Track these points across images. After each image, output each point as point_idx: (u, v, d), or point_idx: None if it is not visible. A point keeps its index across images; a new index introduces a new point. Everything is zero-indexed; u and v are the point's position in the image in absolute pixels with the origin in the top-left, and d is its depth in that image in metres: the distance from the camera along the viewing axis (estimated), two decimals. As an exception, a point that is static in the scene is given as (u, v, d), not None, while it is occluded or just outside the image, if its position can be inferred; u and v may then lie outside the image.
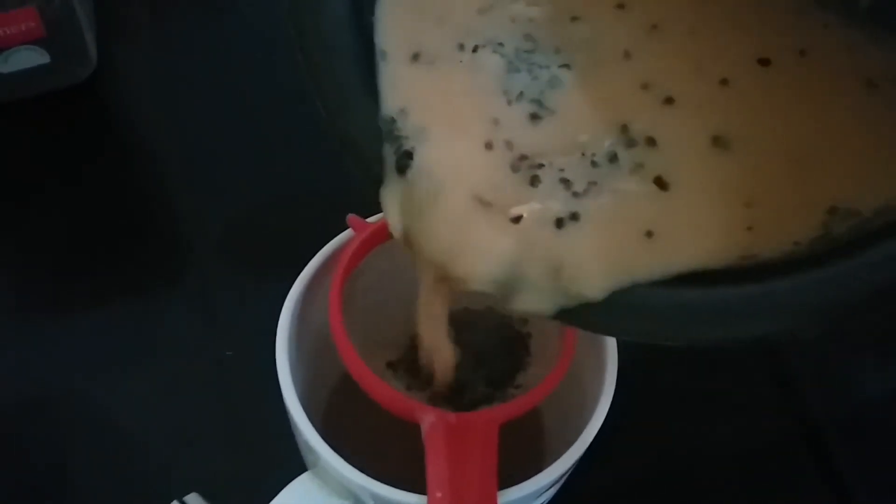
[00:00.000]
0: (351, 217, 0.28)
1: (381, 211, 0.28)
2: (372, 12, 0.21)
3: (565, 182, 0.20)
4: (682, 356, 0.38)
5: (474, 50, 0.21)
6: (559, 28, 0.22)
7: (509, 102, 0.21)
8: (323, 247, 0.29)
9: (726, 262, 0.19)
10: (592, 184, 0.20)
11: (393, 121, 0.21)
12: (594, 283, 0.19)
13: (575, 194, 0.20)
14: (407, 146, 0.20)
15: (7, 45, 0.41)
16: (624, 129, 0.21)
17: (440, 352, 0.25)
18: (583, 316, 0.20)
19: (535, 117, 0.21)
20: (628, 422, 0.35)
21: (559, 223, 0.19)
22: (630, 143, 0.20)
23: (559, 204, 0.20)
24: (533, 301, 0.20)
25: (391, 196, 0.21)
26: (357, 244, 0.27)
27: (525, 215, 0.20)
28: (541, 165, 0.20)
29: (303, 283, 0.29)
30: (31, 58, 0.42)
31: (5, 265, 0.41)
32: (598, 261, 0.19)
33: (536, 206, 0.20)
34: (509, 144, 0.20)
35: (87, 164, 0.43)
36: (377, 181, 0.21)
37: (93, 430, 0.36)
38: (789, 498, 0.36)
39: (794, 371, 0.39)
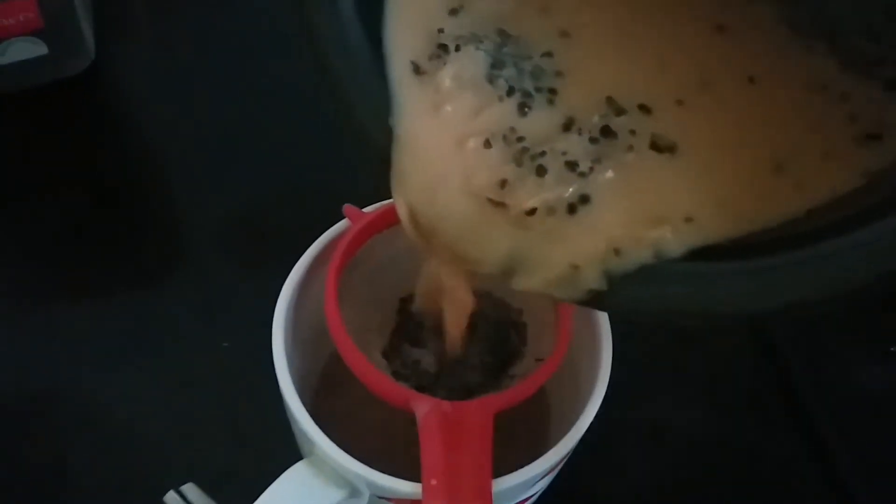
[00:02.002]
0: (347, 207, 0.29)
1: (377, 201, 0.29)
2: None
3: (571, 164, 0.20)
4: (680, 348, 0.38)
5: (457, 49, 0.21)
6: (531, 20, 0.22)
7: (500, 98, 0.21)
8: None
9: (730, 231, 0.19)
10: (597, 161, 0.20)
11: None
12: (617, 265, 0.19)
13: (581, 174, 0.20)
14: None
15: (5, 35, 0.41)
16: (610, 100, 0.21)
17: (459, 301, 0.25)
18: (607, 299, 0.20)
19: (524, 107, 0.21)
20: (625, 414, 0.36)
21: (572, 208, 0.20)
22: (619, 112, 0.21)
23: (570, 188, 0.20)
24: (569, 290, 0.20)
25: (400, 200, 0.21)
26: (353, 234, 0.28)
27: (539, 207, 0.20)
28: (542, 153, 0.20)
29: (299, 272, 0.29)
30: (28, 49, 0.42)
31: (2, 258, 0.41)
32: (616, 237, 0.19)
33: (548, 196, 0.20)
34: (507, 139, 0.20)
35: (85, 156, 0.43)
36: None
37: (91, 421, 0.36)
38: (788, 494, 0.37)
39: (792, 367, 0.39)
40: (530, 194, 0.20)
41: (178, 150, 0.44)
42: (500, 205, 0.20)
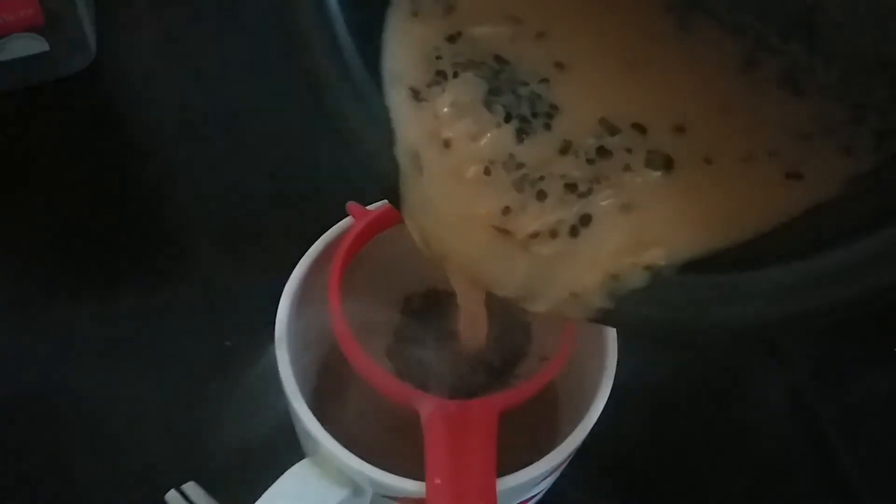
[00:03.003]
0: (351, 205, 0.28)
1: (381, 199, 0.28)
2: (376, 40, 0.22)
3: (570, 186, 0.20)
4: (682, 349, 0.38)
5: (455, 75, 0.21)
6: (527, 46, 0.22)
7: (498, 124, 0.21)
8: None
9: (723, 244, 0.19)
10: (595, 181, 0.20)
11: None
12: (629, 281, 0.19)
13: (582, 195, 0.20)
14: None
15: (6, 32, 0.41)
16: (603, 121, 0.21)
17: (476, 320, 0.26)
18: (614, 317, 0.20)
19: (521, 132, 0.21)
20: (629, 414, 0.36)
21: (574, 231, 0.20)
22: (613, 131, 0.21)
23: (571, 210, 0.20)
24: (580, 308, 0.20)
25: (413, 229, 0.21)
26: (357, 231, 0.28)
27: (541, 231, 0.20)
28: (542, 178, 0.20)
29: (302, 270, 0.29)
30: (29, 46, 0.42)
31: (3, 256, 0.41)
32: (619, 253, 0.19)
33: (550, 219, 0.20)
34: (506, 166, 0.20)
35: (86, 154, 0.43)
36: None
37: (92, 420, 0.36)
38: (790, 494, 0.36)
39: (796, 367, 0.39)
40: (533, 219, 0.20)
41: (181, 147, 0.44)
42: (504, 232, 0.20)
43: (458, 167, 0.20)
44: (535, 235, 0.20)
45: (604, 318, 0.20)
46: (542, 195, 0.20)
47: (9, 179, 0.42)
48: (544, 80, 0.22)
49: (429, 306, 0.30)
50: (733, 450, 0.37)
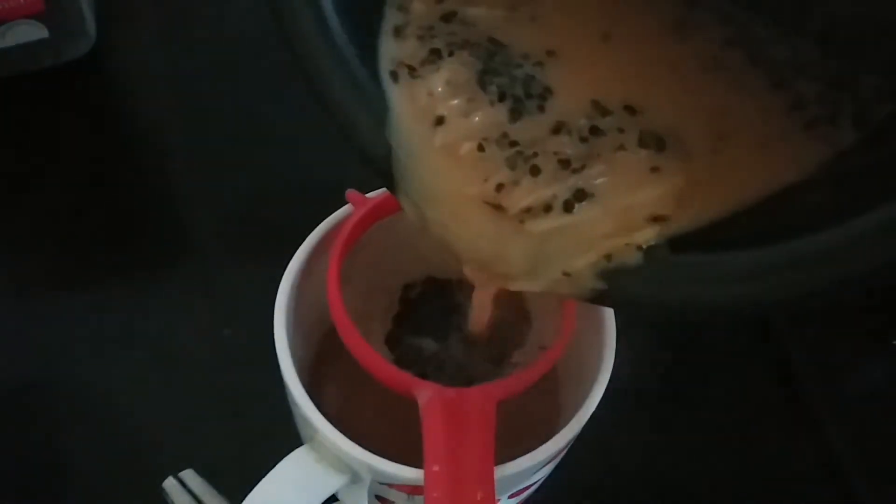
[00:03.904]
0: (350, 192, 0.28)
1: (380, 187, 0.28)
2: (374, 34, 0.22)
3: (564, 162, 0.20)
4: (681, 339, 0.38)
5: (450, 54, 0.21)
6: (521, 28, 0.22)
7: (492, 103, 0.21)
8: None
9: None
10: (588, 158, 0.20)
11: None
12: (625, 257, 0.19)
13: (575, 171, 0.20)
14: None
15: (6, 18, 0.40)
16: (595, 103, 0.21)
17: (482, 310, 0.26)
18: (608, 297, 0.20)
19: (515, 112, 0.21)
20: (629, 405, 0.36)
21: (568, 206, 0.20)
22: (605, 113, 0.21)
23: (565, 185, 0.20)
24: (572, 285, 0.20)
25: (408, 207, 0.21)
26: (356, 219, 0.27)
27: (535, 205, 0.20)
28: (535, 154, 0.20)
29: (301, 257, 0.28)
30: (29, 32, 0.42)
31: (2, 245, 0.41)
32: (613, 233, 0.20)
33: (544, 193, 0.20)
34: (500, 143, 0.20)
35: (86, 141, 0.43)
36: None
37: (90, 407, 0.36)
38: (789, 486, 0.37)
39: (795, 360, 0.39)
40: (526, 193, 0.20)
41: (180, 135, 0.44)
42: (498, 208, 0.20)
43: (451, 144, 0.20)
44: (528, 210, 0.20)
45: (598, 297, 0.20)
46: (535, 170, 0.20)
47: (7, 167, 0.42)
48: (538, 64, 0.22)
49: (427, 294, 0.30)
50: (731, 441, 0.37)
